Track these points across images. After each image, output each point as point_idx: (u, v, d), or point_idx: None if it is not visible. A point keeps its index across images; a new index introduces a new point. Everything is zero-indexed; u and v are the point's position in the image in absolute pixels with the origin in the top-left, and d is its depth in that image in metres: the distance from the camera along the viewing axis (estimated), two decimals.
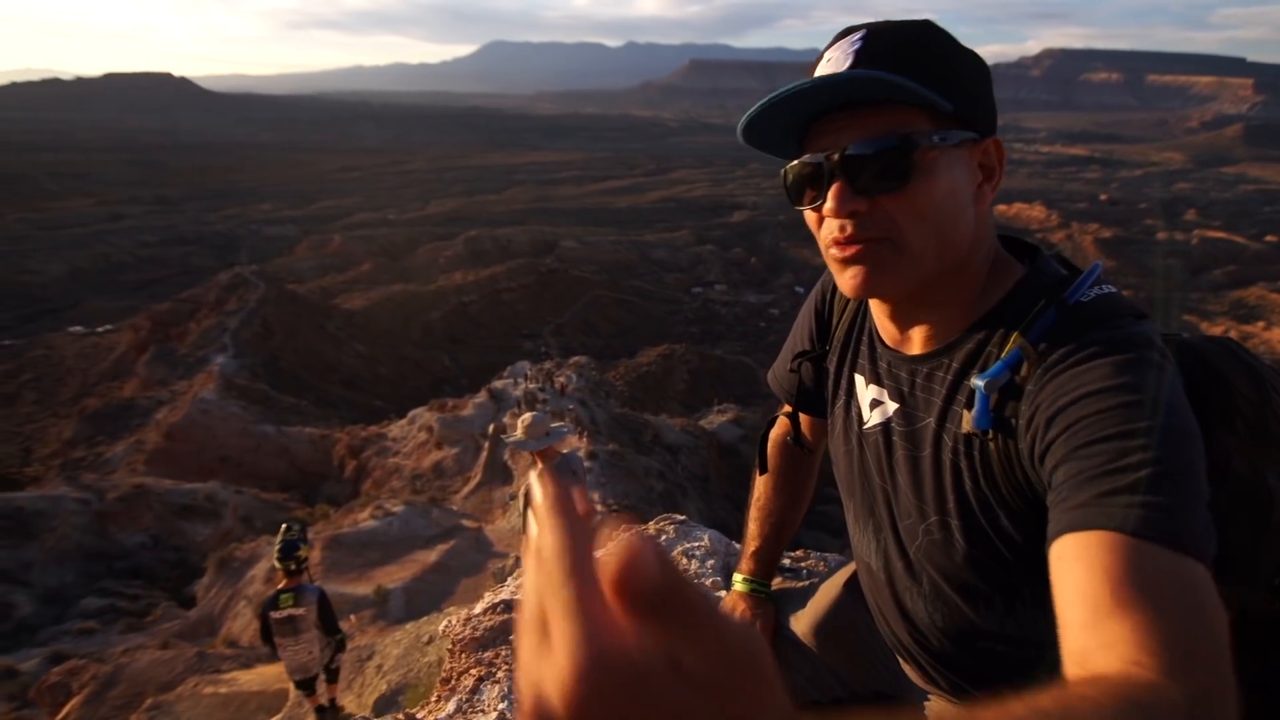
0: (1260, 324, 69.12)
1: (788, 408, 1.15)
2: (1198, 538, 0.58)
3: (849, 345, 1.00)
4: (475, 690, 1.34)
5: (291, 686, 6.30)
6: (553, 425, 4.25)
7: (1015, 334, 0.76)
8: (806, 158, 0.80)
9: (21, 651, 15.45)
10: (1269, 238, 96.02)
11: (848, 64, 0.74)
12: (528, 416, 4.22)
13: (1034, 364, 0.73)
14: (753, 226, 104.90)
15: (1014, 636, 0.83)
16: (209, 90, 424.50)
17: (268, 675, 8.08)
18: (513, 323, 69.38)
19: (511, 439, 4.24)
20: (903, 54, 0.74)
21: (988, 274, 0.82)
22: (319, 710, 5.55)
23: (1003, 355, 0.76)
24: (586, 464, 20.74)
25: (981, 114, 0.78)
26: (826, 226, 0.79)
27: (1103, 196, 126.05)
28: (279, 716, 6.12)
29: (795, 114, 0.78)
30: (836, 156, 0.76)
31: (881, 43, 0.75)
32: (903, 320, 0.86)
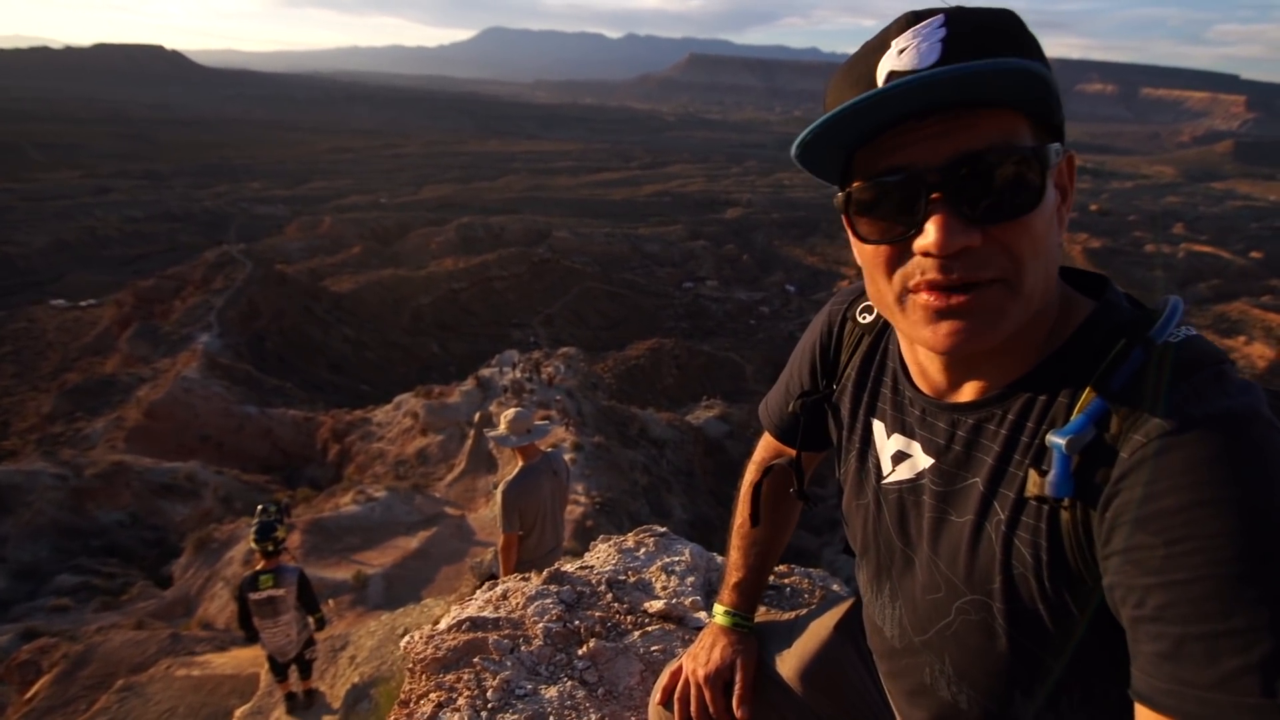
0: (1241, 339, 70.08)
1: (782, 449, 1.08)
2: None
3: (864, 387, 0.88)
4: (434, 717, 1.28)
5: (263, 673, 6.25)
6: (536, 422, 4.20)
7: (1094, 381, 0.63)
8: (883, 174, 0.64)
9: None
10: (1254, 254, 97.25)
11: (935, 56, 0.60)
12: (511, 412, 4.16)
13: (1125, 419, 0.60)
14: (746, 224, 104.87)
15: None
16: (202, 65, 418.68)
17: (241, 659, 8.00)
18: (503, 311, 69.13)
19: (494, 434, 4.19)
20: (1002, 47, 0.60)
21: (1058, 310, 0.69)
22: (289, 698, 5.52)
23: (1082, 406, 0.63)
24: (570, 456, 20.72)
25: (1063, 124, 0.67)
26: (913, 266, 0.64)
27: (1093, 207, 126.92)
28: (250, 704, 6.05)
29: (866, 123, 0.62)
30: (937, 176, 0.61)
31: (972, 33, 0.61)
32: (957, 370, 0.73)
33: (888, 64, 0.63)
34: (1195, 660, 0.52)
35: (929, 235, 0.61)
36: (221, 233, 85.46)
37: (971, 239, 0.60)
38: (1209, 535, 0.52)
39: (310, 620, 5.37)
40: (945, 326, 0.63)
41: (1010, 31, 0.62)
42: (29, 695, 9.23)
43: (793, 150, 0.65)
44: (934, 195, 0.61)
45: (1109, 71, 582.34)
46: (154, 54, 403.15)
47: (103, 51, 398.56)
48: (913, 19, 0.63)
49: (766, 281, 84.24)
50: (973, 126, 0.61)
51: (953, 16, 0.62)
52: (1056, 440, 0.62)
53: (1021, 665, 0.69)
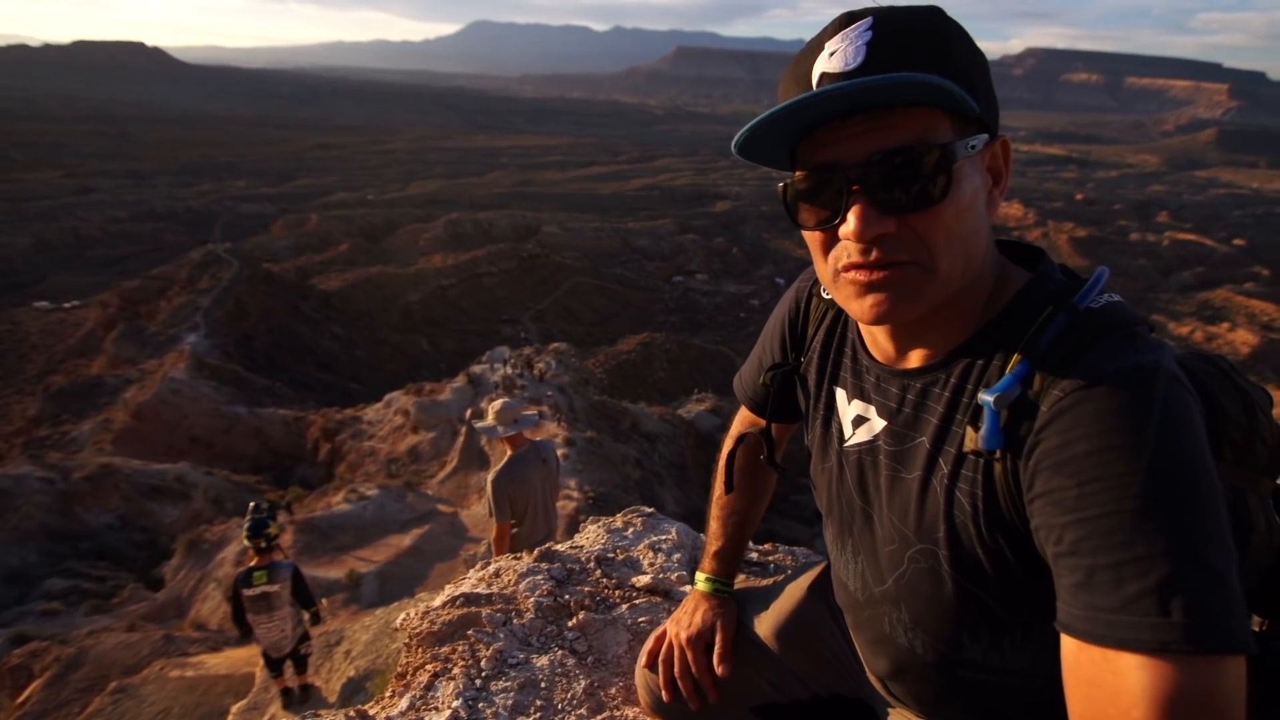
0: (1225, 325, 70.87)
1: (756, 421, 1.12)
2: (1234, 631, 0.54)
3: (828, 357, 0.94)
4: (430, 687, 1.33)
5: (258, 670, 6.27)
6: (524, 413, 4.26)
7: (1023, 344, 0.69)
8: (813, 169, 0.71)
9: None
10: (1237, 241, 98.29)
11: (860, 59, 0.66)
12: (498, 402, 4.24)
13: (1046, 377, 0.66)
14: (735, 216, 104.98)
15: (998, 667, 0.78)
16: (183, 62, 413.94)
17: (235, 659, 8.01)
18: (492, 307, 68.93)
19: (482, 424, 4.25)
20: (923, 48, 0.66)
21: (993, 284, 0.76)
22: (284, 693, 5.53)
23: (1010, 367, 0.69)
24: (563, 451, 20.75)
25: (993, 114, 0.72)
26: (840, 249, 0.71)
27: (1079, 196, 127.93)
28: (246, 700, 6.06)
29: (801, 120, 0.69)
30: (856, 171, 0.68)
31: (896, 35, 0.67)
32: (902, 339, 0.80)
33: (820, 65, 0.68)
34: (1104, 587, 0.57)
35: (850, 224, 0.68)
36: (207, 232, 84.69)
37: (887, 226, 0.67)
38: (1115, 475, 0.58)
39: (305, 615, 5.38)
40: (870, 299, 0.70)
41: (934, 31, 0.68)
42: (21, 699, 9.20)
43: (732, 147, 0.71)
44: (854, 188, 0.67)
45: (1094, 61, 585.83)
46: (134, 51, 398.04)
47: (82, 49, 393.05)
48: (845, 21, 0.69)
49: (756, 274, 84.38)
50: (892, 126, 0.66)
51: (880, 19, 0.67)
52: (986, 398, 0.68)
53: (967, 609, 0.75)
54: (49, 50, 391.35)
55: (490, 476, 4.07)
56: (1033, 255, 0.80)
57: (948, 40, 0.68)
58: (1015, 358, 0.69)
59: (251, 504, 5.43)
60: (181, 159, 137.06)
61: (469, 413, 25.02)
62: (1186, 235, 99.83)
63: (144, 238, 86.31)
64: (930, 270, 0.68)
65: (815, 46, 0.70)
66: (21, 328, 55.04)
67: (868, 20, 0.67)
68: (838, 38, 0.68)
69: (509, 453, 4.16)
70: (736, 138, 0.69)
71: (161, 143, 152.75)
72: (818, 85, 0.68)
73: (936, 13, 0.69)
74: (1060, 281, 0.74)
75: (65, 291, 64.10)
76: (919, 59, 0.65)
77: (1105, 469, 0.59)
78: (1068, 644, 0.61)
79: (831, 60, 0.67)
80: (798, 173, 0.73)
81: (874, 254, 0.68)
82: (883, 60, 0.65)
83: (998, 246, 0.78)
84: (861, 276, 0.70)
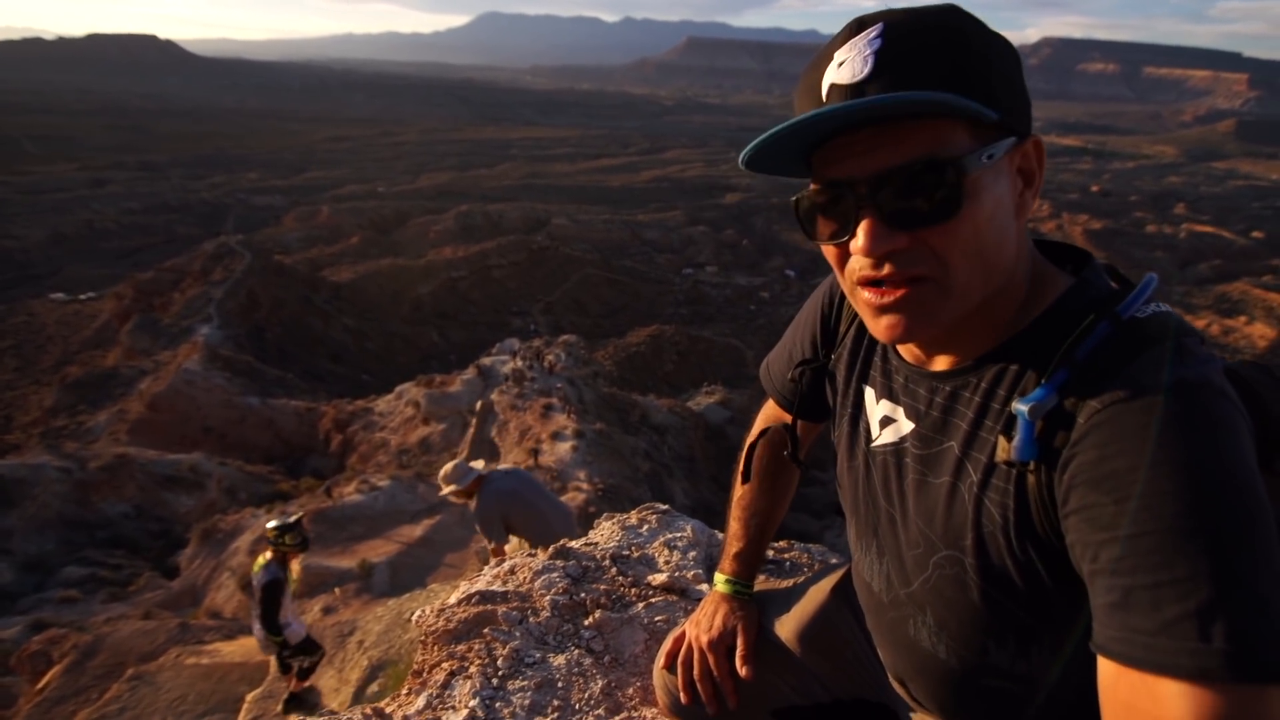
0: (1242, 318, 70.08)
1: (782, 416, 1.10)
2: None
3: (858, 354, 0.92)
4: (446, 685, 1.33)
5: (272, 660, 6.33)
6: (471, 466, 4.52)
7: (1061, 352, 0.67)
8: (825, 185, 0.69)
9: (2, 619, 15.38)
10: (1255, 233, 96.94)
11: (867, 69, 0.64)
12: (447, 467, 4.48)
13: (1083, 388, 0.64)
14: (745, 208, 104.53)
15: (1025, 677, 0.76)
16: (195, 54, 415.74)
17: (250, 646, 8.08)
18: (502, 299, 69.10)
19: (445, 491, 4.43)
20: (934, 55, 0.64)
21: (1027, 288, 0.73)
22: (288, 700, 5.59)
23: (1048, 376, 0.67)
24: (572, 443, 20.80)
25: (1020, 114, 0.68)
26: (855, 263, 0.70)
27: (1094, 188, 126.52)
28: (260, 689, 6.13)
29: (811, 134, 0.67)
30: (865, 187, 0.66)
31: (906, 42, 0.64)
32: (928, 344, 0.78)
33: (829, 76, 0.67)
34: (1141, 608, 0.55)
35: (859, 239, 0.67)
36: (219, 224, 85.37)
37: (897, 242, 0.66)
38: (1155, 493, 0.56)
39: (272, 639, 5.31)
40: (885, 320, 0.69)
41: (946, 37, 0.64)
42: (40, 686, 9.32)
43: (740, 163, 0.70)
44: (865, 205, 0.66)
45: (1111, 50, 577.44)
46: (148, 44, 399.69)
47: (96, 42, 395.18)
48: (856, 28, 0.67)
49: (766, 267, 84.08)
50: (900, 140, 0.64)
51: (890, 25, 0.65)
52: (1020, 407, 0.66)
53: (993, 616, 0.74)
54: (63, 44, 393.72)
55: (474, 517, 4.30)
56: (1079, 259, 0.78)
57: (962, 45, 0.65)
58: (1053, 366, 0.67)
59: (282, 513, 5.52)
60: (194, 152, 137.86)
61: (479, 405, 25.14)
62: (1204, 227, 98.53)
63: (157, 230, 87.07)
64: (946, 287, 0.67)
65: (826, 55, 0.68)
66: (38, 319, 55.77)
67: (878, 28, 0.65)
68: (847, 46, 0.66)
69: (477, 494, 4.35)
70: (744, 153, 0.69)
71: (174, 135, 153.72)
72: (826, 97, 0.66)
73: (950, 13, 0.66)
74: (1105, 288, 0.72)
75: (81, 283, 64.82)
76: (929, 68, 0.63)
77: (1144, 486, 0.57)
78: (1104, 666, 0.59)
79: (840, 71, 0.66)
80: (812, 186, 0.72)
81: (886, 268, 0.67)
82: (891, 70, 0.63)
83: (1042, 248, 0.77)
84: (875, 298, 0.69)
